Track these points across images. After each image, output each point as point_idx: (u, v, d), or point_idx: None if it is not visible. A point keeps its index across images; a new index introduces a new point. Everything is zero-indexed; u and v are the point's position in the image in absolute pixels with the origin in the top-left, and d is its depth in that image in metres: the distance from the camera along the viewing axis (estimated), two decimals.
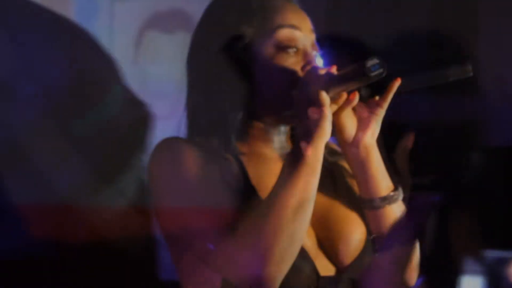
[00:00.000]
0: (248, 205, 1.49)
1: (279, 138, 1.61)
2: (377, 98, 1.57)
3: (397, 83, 1.54)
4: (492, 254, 1.28)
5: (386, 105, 1.58)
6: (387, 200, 1.60)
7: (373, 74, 1.48)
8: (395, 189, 1.61)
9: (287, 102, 1.52)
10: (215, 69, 1.53)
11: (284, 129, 1.60)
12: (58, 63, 1.49)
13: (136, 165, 1.56)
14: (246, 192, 1.51)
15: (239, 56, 1.53)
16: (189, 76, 1.59)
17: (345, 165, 1.66)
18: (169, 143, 1.55)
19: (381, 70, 1.49)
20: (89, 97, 1.47)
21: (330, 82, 1.51)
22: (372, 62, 1.49)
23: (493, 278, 1.26)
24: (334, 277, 1.55)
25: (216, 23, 1.54)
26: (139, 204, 1.58)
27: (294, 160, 1.49)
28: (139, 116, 1.56)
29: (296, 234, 1.44)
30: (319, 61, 1.60)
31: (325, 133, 1.49)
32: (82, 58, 1.51)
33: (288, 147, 1.62)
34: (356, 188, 1.66)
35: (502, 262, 1.26)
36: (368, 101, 1.57)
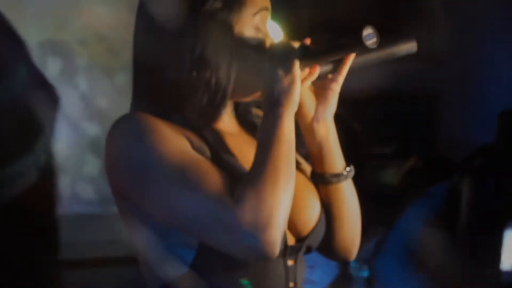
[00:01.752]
0: (227, 177, 1.49)
1: (228, 115, 1.62)
2: (330, 75, 1.59)
3: (352, 57, 1.56)
4: None
5: (342, 80, 1.60)
6: (339, 176, 1.63)
7: (369, 43, 1.50)
8: (347, 166, 1.64)
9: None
10: (191, 46, 1.54)
11: (231, 107, 1.62)
12: None
13: (38, 148, 1.52)
14: (220, 165, 1.52)
15: (219, 40, 1.54)
16: (154, 50, 1.58)
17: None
18: (134, 118, 1.52)
19: (375, 39, 1.50)
20: None
21: (307, 54, 1.52)
22: (367, 31, 1.49)
23: None
24: (296, 246, 1.58)
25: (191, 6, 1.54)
26: (40, 187, 1.54)
27: (270, 126, 1.50)
28: (43, 99, 1.53)
29: (290, 193, 1.47)
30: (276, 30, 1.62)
31: (295, 100, 1.51)
32: None
33: (235, 124, 1.63)
34: (304, 162, 1.69)
35: None
36: (325, 77, 1.59)
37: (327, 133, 1.62)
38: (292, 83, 1.50)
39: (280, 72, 1.51)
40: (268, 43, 1.57)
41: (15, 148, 1.46)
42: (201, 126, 1.55)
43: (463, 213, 2.86)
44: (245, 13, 1.56)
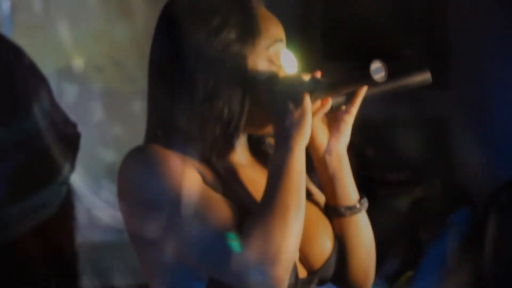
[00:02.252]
0: (238, 211, 1.49)
1: (241, 147, 1.62)
2: (343, 107, 1.60)
3: (365, 89, 1.57)
4: None
5: (355, 111, 1.60)
6: (352, 209, 1.62)
7: (377, 77, 1.51)
8: (361, 199, 1.64)
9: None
10: (204, 77, 1.54)
11: (244, 138, 1.62)
12: None
13: (59, 180, 1.54)
14: (230, 198, 1.52)
15: (232, 71, 1.55)
16: (168, 80, 1.58)
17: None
18: (145, 151, 1.53)
19: (383, 73, 1.51)
20: (16, 108, 1.47)
21: (317, 87, 1.53)
22: (375, 65, 1.51)
23: None
24: (307, 279, 1.57)
25: (208, 34, 1.55)
26: (61, 217, 1.56)
27: (281, 159, 1.50)
28: (65, 133, 1.55)
29: (299, 228, 1.47)
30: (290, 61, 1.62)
31: (306, 133, 1.51)
32: (14, 71, 1.51)
33: (247, 156, 1.63)
34: (319, 194, 1.69)
35: None
36: (338, 108, 1.60)
37: (340, 165, 1.61)
38: (302, 116, 1.50)
39: (291, 105, 1.51)
40: (281, 75, 1.58)
41: (38, 180, 1.48)
42: (213, 158, 1.55)
43: (488, 250, 2.84)
44: (259, 46, 1.56)
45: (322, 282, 1.60)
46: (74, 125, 1.57)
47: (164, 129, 1.58)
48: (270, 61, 1.57)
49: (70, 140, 1.55)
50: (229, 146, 1.58)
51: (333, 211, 1.62)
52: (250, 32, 1.56)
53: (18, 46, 1.57)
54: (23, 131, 1.47)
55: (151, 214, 1.49)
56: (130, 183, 1.51)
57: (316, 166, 1.62)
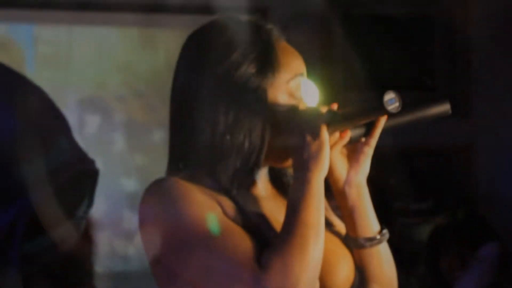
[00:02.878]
0: (257, 243, 1.49)
1: (262, 179, 1.63)
2: (363, 138, 1.60)
3: (384, 120, 1.57)
4: None
5: (374, 143, 1.60)
6: (373, 240, 1.62)
7: (390, 107, 1.52)
8: (382, 230, 1.63)
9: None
10: (225, 110, 1.56)
11: (265, 170, 1.63)
12: (6, 109, 1.53)
13: (78, 215, 1.56)
14: (250, 230, 1.53)
15: (252, 105, 1.56)
16: (190, 112, 1.60)
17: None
18: (166, 183, 1.53)
19: (397, 104, 1.52)
20: (33, 145, 1.50)
21: (333, 119, 1.54)
22: (388, 96, 1.51)
23: None
24: None
25: (226, 65, 1.56)
26: (79, 250, 1.57)
27: (299, 191, 1.50)
28: (82, 170, 1.57)
29: (318, 260, 1.47)
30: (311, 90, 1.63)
31: (324, 165, 1.52)
32: (30, 108, 1.54)
33: (268, 187, 1.64)
34: (340, 225, 1.69)
35: None
36: (357, 140, 1.60)
37: (360, 196, 1.61)
38: (320, 148, 1.51)
39: (308, 138, 1.51)
40: (299, 108, 1.58)
41: (56, 217, 1.50)
42: (234, 190, 1.56)
43: None
44: (279, 79, 1.57)
45: None
46: (92, 162, 1.58)
47: (185, 161, 1.59)
48: (291, 94, 1.58)
49: (88, 177, 1.57)
50: (250, 178, 1.58)
51: (353, 243, 1.62)
52: (270, 66, 1.57)
53: (36, 84, 1.60)
54: (42, 168, 1.49)
55: (172, 246, 1.50)
56: (152, 215, 1.52)
57: (336, 198, 1.62)
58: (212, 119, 1.55)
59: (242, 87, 1.55)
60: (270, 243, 1.48)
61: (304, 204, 1.49)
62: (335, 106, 1.56)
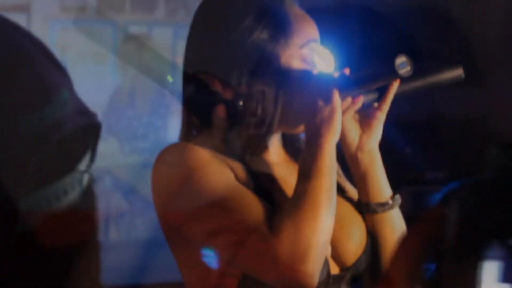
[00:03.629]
0: (269, 207, 1.49)
1: (275, 144, 1.62)
2: (375, 104, 1.59)
3: (396, 85, 1.56)
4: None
5: (387, 108, 1.60)
6: (385, 206, 1.62)
7: (402, 71, 1.51)
8: (394, 195, 1.63)
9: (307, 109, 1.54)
10: (237, 77, 1.55)
11: (278, 136, 1.62)
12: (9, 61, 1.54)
13: (80, 169, 1.55)
14: (262, 195, 1.52)
15: (265, 70, 1.56)
16: (202, 79, 1.59)
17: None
18: (180, 148, 1.53)
19: (408, 68, 1.51)
20: (35, 97, 1.50)
21: (345, 84, 1.53)
22: (400, 60, 1.50)
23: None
24: (340, 275, 1.57)
25: (240, 32, 1.55)
26: (80, 208, 1.57)
27: (311, 156, 1.50)
28: (85, 123, 1.57)
29: (330, 225, 1.47)
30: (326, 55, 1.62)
31: (336, 130, 1.51)
32: (33, 62, 1.54)
33: (281, 153, 1.63)
34: (353, 191, 1.68)
35: None
36: (370, 106, 1.59)
37: (372, 162, 1.61)
38: (332, 113, 1.50)
39: (320, 103, 1.51)
40: (311, 73, 1.57)
41: (59, 166, 1.51)
42: (247, 156, 1.56)
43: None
44: (292, 45, 1.56)
45: (354, 278, 1.60)
46: (94, 115, 1.59)
47: (198, 127, 1.58)
48: (303, 60, 1.57)
49: (91, 130, 1.58)
50: (263, 144, 1.58)
51: (366, 208, 1.62)
52: (283, 31, 1.56)
53: (38, 38, 1.61)
54: (45, 119, 1.50)
55: (184, 209, 1.50)
56: (165, 180, 1.52)
57: (348, 163, 1.62)
58: (225, 85, 1.54)
59: (254, 53, 1.54)
60: (282, 207, 1.47)
61: (316, 169, 1.48)
62: (347, 71, 1.55)
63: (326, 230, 1.46)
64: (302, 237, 1.43)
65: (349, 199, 1.65)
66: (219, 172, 1.50)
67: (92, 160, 1.57)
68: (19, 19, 4.30)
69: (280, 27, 1.56)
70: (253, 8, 1.56)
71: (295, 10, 1.60)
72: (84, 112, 1.57)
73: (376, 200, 1.61)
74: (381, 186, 1.62)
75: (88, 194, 1.62)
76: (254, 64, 1.55)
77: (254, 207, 1.47)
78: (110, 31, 4.48)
